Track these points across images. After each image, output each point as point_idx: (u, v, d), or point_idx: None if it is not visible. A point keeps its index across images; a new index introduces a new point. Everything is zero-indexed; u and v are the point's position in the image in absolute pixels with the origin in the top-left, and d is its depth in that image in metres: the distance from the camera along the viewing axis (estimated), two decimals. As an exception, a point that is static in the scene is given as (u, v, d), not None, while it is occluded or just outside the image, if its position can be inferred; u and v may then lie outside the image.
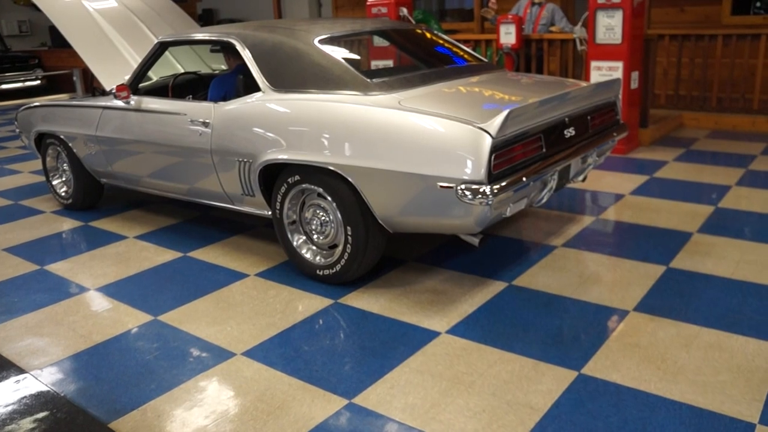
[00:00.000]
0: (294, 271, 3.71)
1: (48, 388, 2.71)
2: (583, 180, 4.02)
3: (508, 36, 7.20)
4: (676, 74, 7.41)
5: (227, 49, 4.13)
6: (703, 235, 3.97)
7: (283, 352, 2.91)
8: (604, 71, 6.00)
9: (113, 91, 4.33)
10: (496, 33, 7.36)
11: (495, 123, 2.85)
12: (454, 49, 4.37)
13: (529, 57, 7.36)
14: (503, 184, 2.88)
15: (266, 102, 3.57)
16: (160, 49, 4.30)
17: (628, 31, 5.81)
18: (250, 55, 3.73)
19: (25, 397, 2.66)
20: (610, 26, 5.89)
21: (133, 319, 3.31)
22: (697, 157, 5.93)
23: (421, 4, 10.83)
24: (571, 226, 4.25)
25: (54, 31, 13.60)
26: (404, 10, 7.57)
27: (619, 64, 5.92)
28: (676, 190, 4.91)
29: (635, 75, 6.08)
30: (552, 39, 7.16)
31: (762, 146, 6.18)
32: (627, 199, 4.76)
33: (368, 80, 3.39)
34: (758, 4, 7.67)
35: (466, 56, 4.29)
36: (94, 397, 2.64)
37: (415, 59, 4.67)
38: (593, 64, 6.07)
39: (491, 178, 2.86)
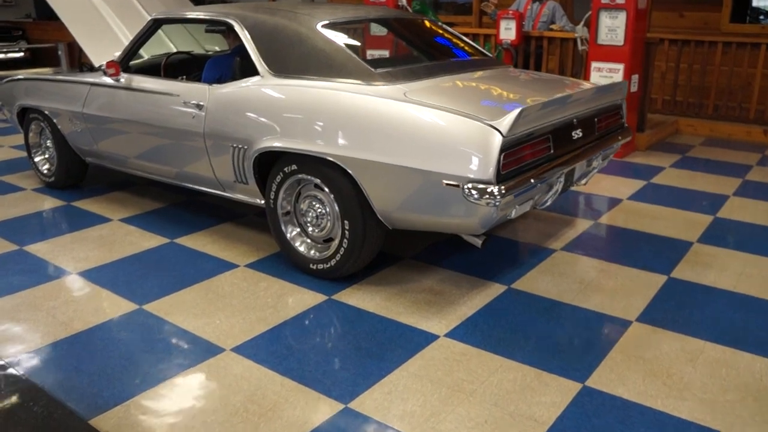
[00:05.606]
0: (286, 264, 3.58)
1: (24, 378, 2.56)
2: (585, 183, 3.93)
3: (507, 32, 7.10)
4: (674, 79, 7.35)
5: (229, 30, 3.98)
6: (703, 245, 3.90)
7: (275, 349, 2.78)
8: (604, 72, 5.92)
9: (102, 67, 4.15)
10: (495, 28, 7.26)
11: (506, 121, 2.74)
12: (459, 42, 4.25)
13: (527, 54, 7.26)
14: (512, 184, 2.77)
15: (264, 86, 3.43)
16: (154, 26, 4.14)
17: (630, 33, 5.73)
18: (249, 37, 3.58)
19: None
20: (612, 27, 5.80)
21: (116, 307, 3.16)
22: (694, 164, 5.88)
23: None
24: (569, 229, 4.16)
25: (39, 2, 13.25)
26: (403, 0, 7.44)
27: (620, 66, 5.84)
28: (674, 197, 4.84)
29: (635, 78, 6.00)
30: (552, 37, 7.07)
31: (757, 156, 6.14)
32: (625, 204, 4.68)
33: (372, 69, 3.26)
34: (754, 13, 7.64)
35: (470, 50, 4.17)
36: (74, 390, 2.50)
37: (418, 50, 4.55)
38: (594, 64, 5.99)
39: (499, 178, 2.76)
